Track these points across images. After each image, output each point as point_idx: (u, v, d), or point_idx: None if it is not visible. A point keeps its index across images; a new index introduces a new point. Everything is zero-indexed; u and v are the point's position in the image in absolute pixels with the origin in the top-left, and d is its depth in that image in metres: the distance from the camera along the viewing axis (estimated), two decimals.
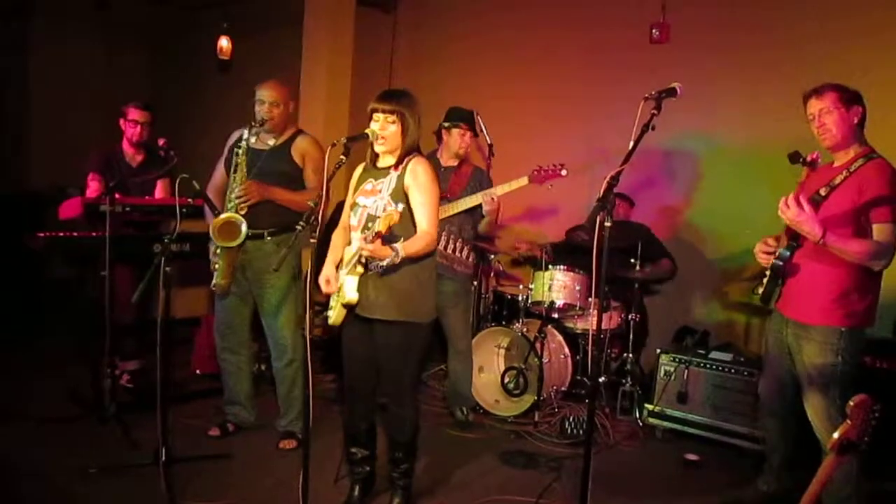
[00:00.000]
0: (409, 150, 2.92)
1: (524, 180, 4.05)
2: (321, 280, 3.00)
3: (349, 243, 3.00)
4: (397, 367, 2.95)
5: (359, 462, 3.14)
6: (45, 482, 3.19)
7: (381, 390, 3.03)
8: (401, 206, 2.78)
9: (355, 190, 3.03)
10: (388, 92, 2.98)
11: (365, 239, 2.64)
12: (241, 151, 3.51)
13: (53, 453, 3.47)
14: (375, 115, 2.89)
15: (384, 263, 2.71)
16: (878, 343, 3.72)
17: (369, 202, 2.90)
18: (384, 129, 2.87)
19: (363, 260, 2.79)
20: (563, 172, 4.03)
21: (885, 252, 2.72)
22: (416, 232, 2.85)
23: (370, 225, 2.68)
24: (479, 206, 4.04)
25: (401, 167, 2.89)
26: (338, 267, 3.01)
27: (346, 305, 2.87)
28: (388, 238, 2.68)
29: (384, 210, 2.82)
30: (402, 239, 2.76)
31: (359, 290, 2.84)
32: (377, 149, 2.93)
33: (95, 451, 3.46)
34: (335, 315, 2.94)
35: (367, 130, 2.90)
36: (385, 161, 2.97)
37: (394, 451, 3.09)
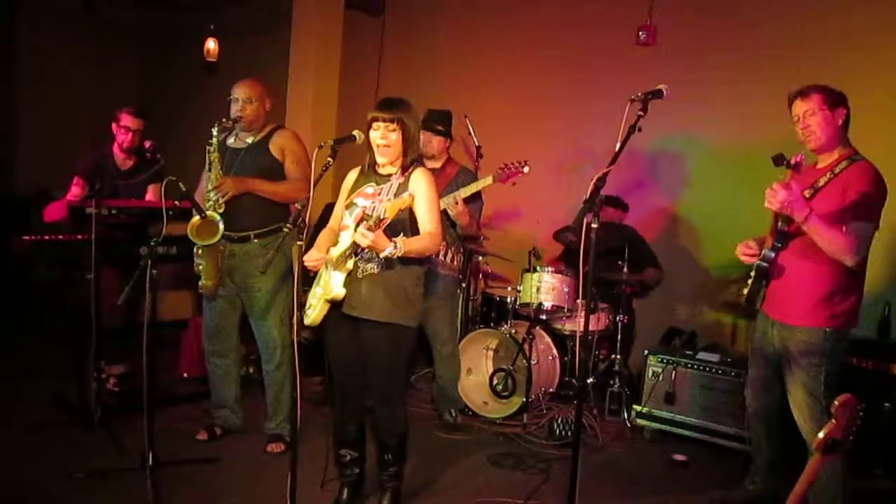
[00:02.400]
0: (412, 159, 2.94)
1: (488, 180, 4.04)
2: (306, 257, 2.91)
3: (336, 244, 2.97)
4: (385, 370, 2.94)
5: (348, 464, 3.13)
6: (31, 488, 3.16)
7: (370, 393, 3.01)
8: (413, 192, 2.77)
9: (351, 193, 3.01)
10: (387, 100, 2.94)
11: (368, 228, 2.58)
12: (211, 149, 3.49)
13: (39, 458, 3.44)
14: (375, 125, 2.87)
15: (383, 255, 2.67)
16: (863, 343, 3.75)
17: (367, 203, 2.89)
18: (385, 137, 2.86)
19: (359, 252, 2.78)
20: (526, 169, 4.01)
21: (859, 248, 2.72)
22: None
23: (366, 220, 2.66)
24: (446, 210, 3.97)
25: (404, 175, 2.91)
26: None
27: (330, 301, 2.84)
28: (394, 228, 2.66)
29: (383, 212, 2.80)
30: (403, 235, 2.74)
31: (347, 287, 2.82)
32: (379, 159, 2.92)
33: (81, 455, 3.44)
34: (315, 313, 2.90)
35: (354, 132, 2.90)
36: (385, 168, 2.97)
37: (383, 454, 3.08)
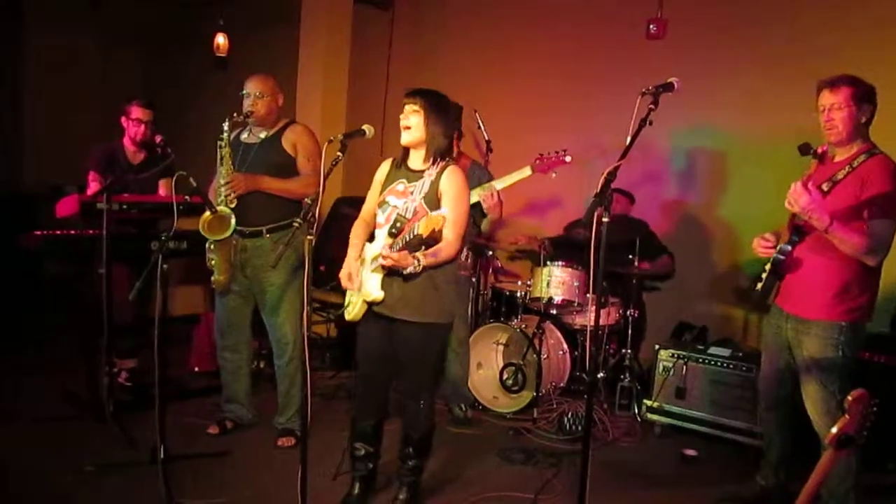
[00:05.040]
0: (438, 149, 2.90)
1: (527, 171, 3.96)
2: (342, 275, 2.98)
3: (372, 239, 2.99)
4: (415, 365, 2.96)
5: (361, 459, 3.12)
6: (43, 481, 3.19)
7: (400, 386, 3.03)
8: (446, 211, 2.73)
9: (383, 186, 3.01)
10: (415, 88, 2.98)
11: (390, 246, 2.67)
12: (222, 143, 3.49)
13: (51, 452, 3.46)
14: (404, 109, 2.91)
15: (405, 272, 2.72)
16: (877, 338, 3.72)
17: (399, 203, 2.89)
18: (406, 118, 2.88)
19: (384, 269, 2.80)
20: (567, 158, 3.90)
21: (882, 247, 2.72)
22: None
23: (398, 225, 2.68)
24: (478, 203, 3.93)
25: (435, 172, 2.88)
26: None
27: (369, 303, 2.88)
28: (428, 243, 2.67)
29: (414, 212, 2.82)
30: (424, 248, 2.73)
31: (383, 288, 2.84)
32: (402, 140, 2.92)
33: (93, 449, 3.46)
34: (356, 311, 2.93)
35: (364, 126, 2.92)
36: (416, 162, 2.96)
37: (406, 447, 3.09)
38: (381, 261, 2.72)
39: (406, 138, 2.91)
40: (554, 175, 4.01)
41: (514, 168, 4.06)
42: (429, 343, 2.95)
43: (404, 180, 2.94)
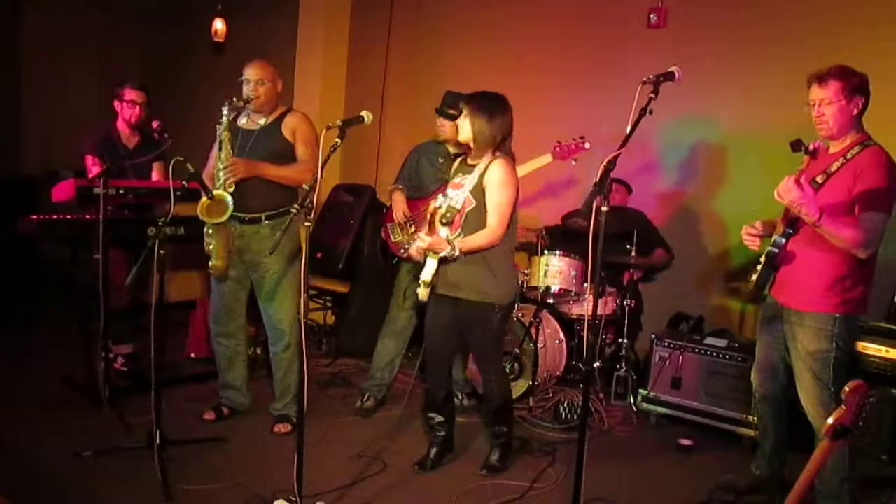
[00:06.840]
0: (485, 144, 3.15)
1: (547, 157, 4.01)
2: (411, 251, 3.29)
3: None
4: (476, 341, 3.32)
5: (434, 427, 3.47)
6: (39, 466, 3.19)
7: (475, 360, 3.41)
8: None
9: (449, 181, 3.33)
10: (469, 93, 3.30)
11: (425, 233, 2.99)
12: (221, 128, 3.48)
13: (47, 437, 3.47)
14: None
15: (442, 255, 3.01)
16: (870, 330, 3.72)
17: (454, 194, 3.15)
18: (461, 121, 3.19)
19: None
20: (587, 145, 4.01)
21: (873, 241, 2.70)
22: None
23: (448, 215, 2.99)
24: None
25: (484, 166, 3.13)
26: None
27: (426, 284, 3.10)
28: (468, 224, 3.06)
29: (462, 202, 3.10)
30: (463, 234, 3.07)
31: (439, 271, 3.09)
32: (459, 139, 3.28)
33: (89, 434, 3.46)
34: (422, 293, 3.13)
35: (362, 113, 2.95)
36: (471, 158, 3.24)
37: (487, 413, 3.54)
38: (418, 243, 3.03)
39: (459, 138, 3.25)
40: (574, 162, 4.07)
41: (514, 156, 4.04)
42: (486, 321, 3.21)
43: (461, 174, 3.25)
